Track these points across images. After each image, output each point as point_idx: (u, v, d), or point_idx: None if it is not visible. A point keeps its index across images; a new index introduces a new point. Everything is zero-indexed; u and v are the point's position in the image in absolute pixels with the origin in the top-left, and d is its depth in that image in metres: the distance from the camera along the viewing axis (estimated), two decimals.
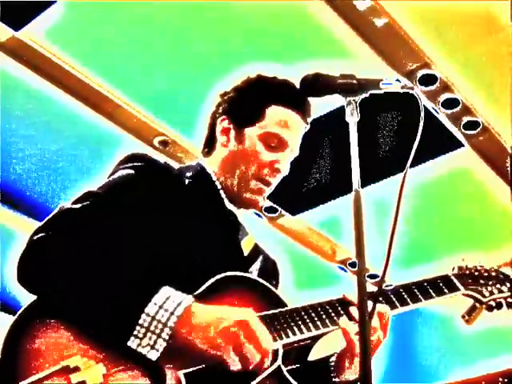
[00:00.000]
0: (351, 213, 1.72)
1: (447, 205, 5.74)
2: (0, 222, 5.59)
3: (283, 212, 5.95)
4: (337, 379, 2.10)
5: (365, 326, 1.64)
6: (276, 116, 2.19)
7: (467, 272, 2.30)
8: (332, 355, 2.15)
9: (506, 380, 5.89)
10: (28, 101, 4.75)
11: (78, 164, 5.17)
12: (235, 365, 1.75)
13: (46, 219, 1.90)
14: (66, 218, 1.90)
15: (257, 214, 5.89)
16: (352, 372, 2.08)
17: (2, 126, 4.59)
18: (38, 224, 1.89)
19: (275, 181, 2.22)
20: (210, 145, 2.30)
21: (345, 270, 6.80)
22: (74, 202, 1.94)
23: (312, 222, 6.13)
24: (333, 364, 2.12)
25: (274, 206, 5.85)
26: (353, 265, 6.66)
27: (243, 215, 2.29)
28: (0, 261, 4.61)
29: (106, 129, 4.90)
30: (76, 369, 1.71)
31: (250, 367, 1.76)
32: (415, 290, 2.16)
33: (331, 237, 6.37)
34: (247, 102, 2.23)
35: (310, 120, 2.27)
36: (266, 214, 5.92)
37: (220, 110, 2.27)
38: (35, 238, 1.84)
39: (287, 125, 2.19)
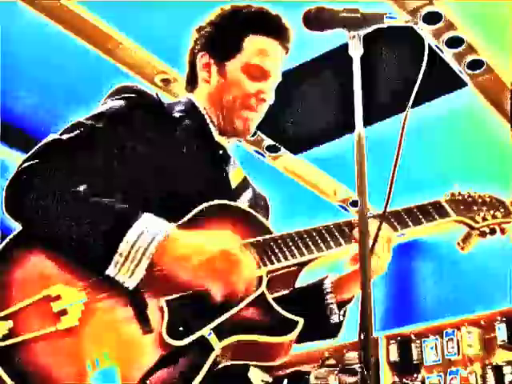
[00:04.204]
0: (353, 152, 1.72)
1: (449, 144, 5.73)
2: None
3: (285, 151, 5.94)
4: (332, 300, 2.14)
5: (365, 262, 1.65)
6: (255, 46, 2.18)
7: (460, 198, 2.27)
8: (325, 278, 2.19)
9: (504, 319, 5.94)
10: (30, 38, 4.71)
11: (80, 102, 5.14)
12: (218, 297, 1.78)
13: (33, 149, 1.90)
14: (54, 148, 1.90)
15: (259, 153, 5.88)
16: (349, 291, 2.15)
17: (2, 63, 4.56)
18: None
19: (262, 109, 2.22)
20: (192, 81, 2.30)
21: (346, 210, 6.82)
22: (63, 133, 1.95)
23: (313, 161, 6.12)
24: (330, 285, 2.16)
25: (276, 144, 5.84)
26: (354, 204, 6.67)
27: (232, 147, 2.29)
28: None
29: (108, 67, 4.85)
30: (57, 297, 1.72)
31: (233, 298, 1.79)
32: (404, 216, 2.16)
33: (332, 176, 6.38)
34: (224, 36, 2.21)
35: (290, 46, 2.25)
36: (267, 152, 5.91)
37: (198, 46, 2.26)
38: (22, 167, 1.85)
39: (267, 53, 2.19)
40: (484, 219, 2.25)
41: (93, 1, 4.44)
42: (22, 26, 4.56)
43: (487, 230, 2.25)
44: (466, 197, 2.28)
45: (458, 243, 2.25)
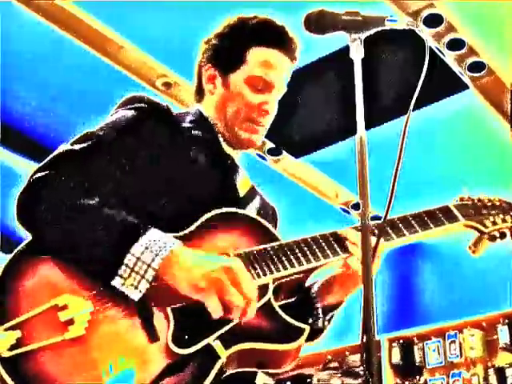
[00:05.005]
0: (355, 155, 1.72)
1: (450, 146, 5.74)
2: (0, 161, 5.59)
3: (286, 154, 5.94)
4: (319, 304, 2.13)
5: (368, 266, 1.65)
6: (258, 58, 2.19)
7: (469, 202, 2.26)
8: (315, 283, 2.18)
9: (506, 321, 5.93)
10: (30, 41, 4.71)
11: (80, 106, 5.14)
12: (217, 312, 1.76)
13: (45, 160, 1.91)
14: (66, 159, 1.91)
15: (260, 157, 5.88)
16: (335, 296, 2.13)
17: (2, 65, 4.56)
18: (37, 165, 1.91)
19: (266, 121, 2.23)
20: (200, 92, 2.31)
21: (348, 212, 6.82)
22: (74, 143, 1.95)
23: (315, 164, 6.12)
24: (317, 289, 2.16)
25: (278, 148, 5.84)
26: (355, 207, 6.67)
27: (241, 158, 2.30)
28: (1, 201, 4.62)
29: (108, 68, 4.86)
30: (64, 307, 1.73)
31: (232, 315, 1.76)
32: (412, 221, 2.15)
33: (334, 179, 6.38)
34: (228, 48, 2.22)
35: (297, 55, 2.25)
36: (269, 156, 5.91)
37: (205, 58, 2.27)
38: (34, 177, 1.86)
39: (271, 65, 2.19)
40: (494, 223, 2.23)
41: (92, 1, 4.45)
42: (21, 25, 4.57)
43: (497, 234, 2.24)
44: (475, 201, 2.27)
45: (470, 247, 2.24)
